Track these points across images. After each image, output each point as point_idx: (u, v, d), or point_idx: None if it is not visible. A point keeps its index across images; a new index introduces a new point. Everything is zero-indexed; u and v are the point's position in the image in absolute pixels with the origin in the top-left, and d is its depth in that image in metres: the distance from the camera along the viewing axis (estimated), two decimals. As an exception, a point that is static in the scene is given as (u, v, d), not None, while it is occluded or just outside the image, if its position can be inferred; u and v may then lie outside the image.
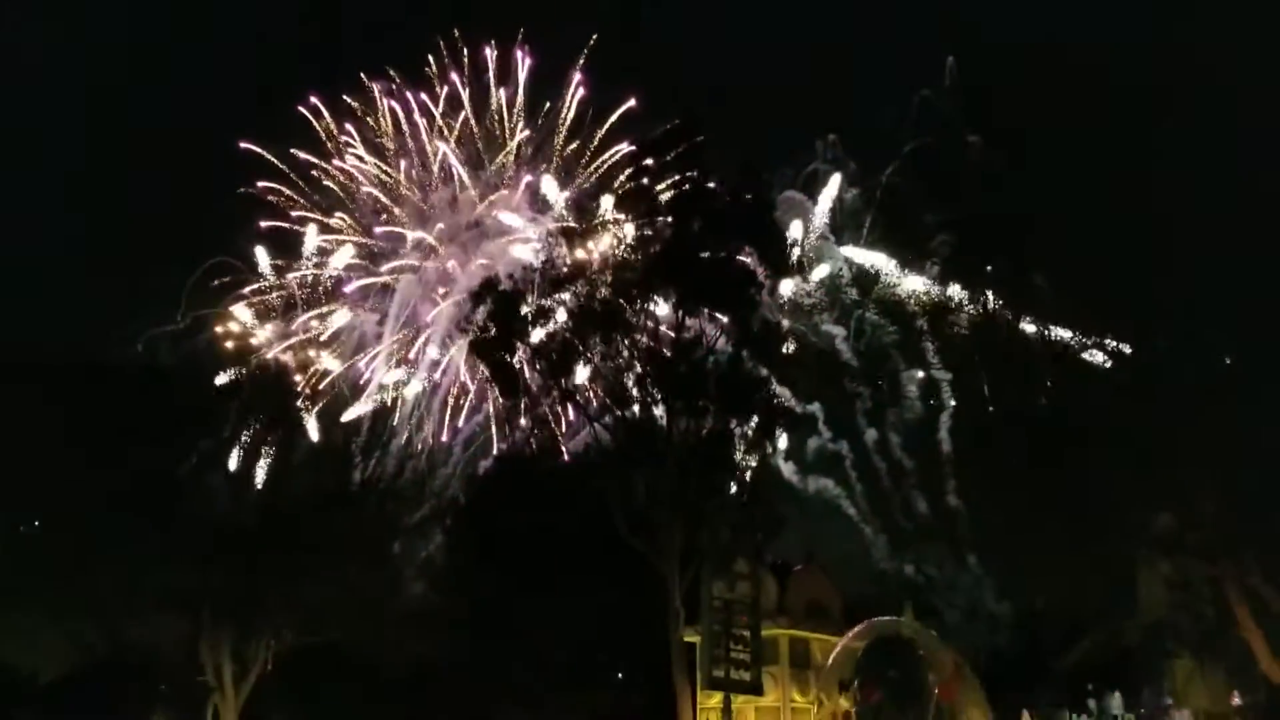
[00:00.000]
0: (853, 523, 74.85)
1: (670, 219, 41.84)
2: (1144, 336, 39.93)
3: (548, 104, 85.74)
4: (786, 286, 46.51)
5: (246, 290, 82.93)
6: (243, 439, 51.70)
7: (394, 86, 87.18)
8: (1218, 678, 46.01)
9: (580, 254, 42.61)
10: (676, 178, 43.52)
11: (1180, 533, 44.82)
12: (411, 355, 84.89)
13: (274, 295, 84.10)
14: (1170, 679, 47.62)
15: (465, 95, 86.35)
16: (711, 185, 43.08)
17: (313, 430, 54.93)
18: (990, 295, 59.74)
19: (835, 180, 77.11)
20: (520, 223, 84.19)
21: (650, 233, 41.95)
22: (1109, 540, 46.51)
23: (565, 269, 42.02)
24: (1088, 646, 52.30)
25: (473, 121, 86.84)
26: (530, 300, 41.72)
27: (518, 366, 42.20)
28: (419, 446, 70.05)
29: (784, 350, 43.86)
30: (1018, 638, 58.47)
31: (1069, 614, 56.00)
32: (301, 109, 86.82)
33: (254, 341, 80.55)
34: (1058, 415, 42.50)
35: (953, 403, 66.23)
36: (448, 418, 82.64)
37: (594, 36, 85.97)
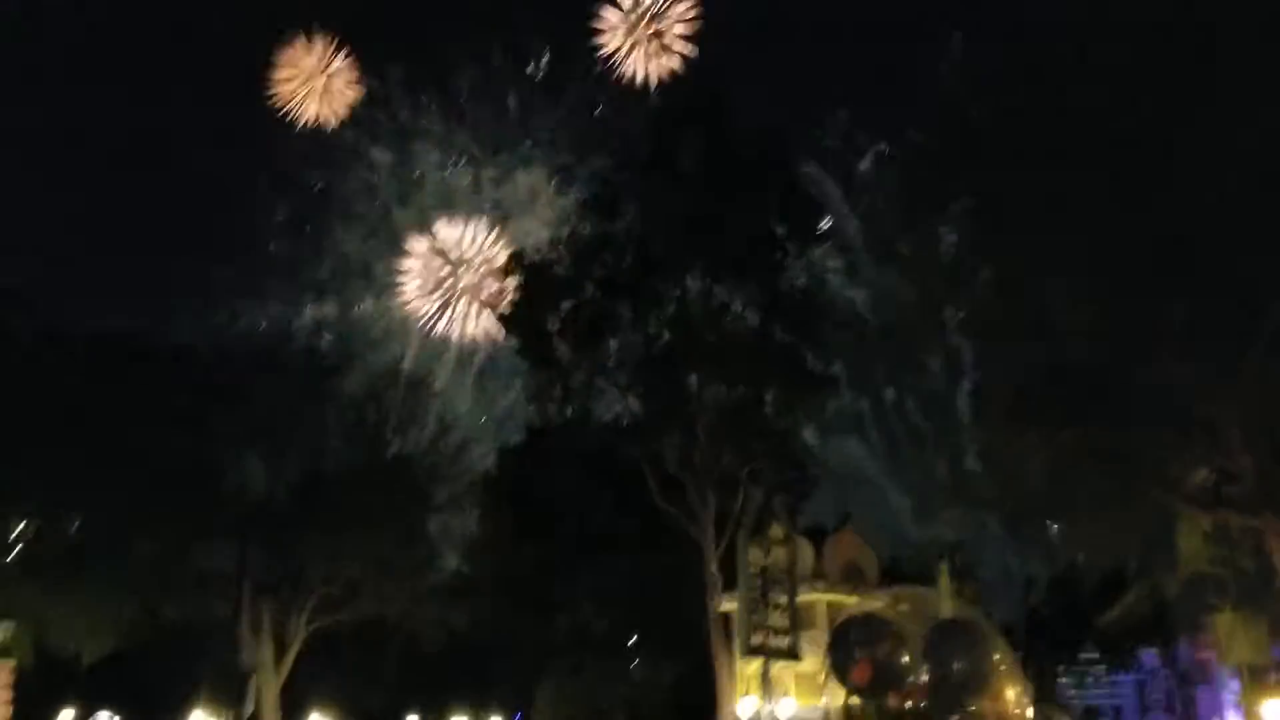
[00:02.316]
0: (880, 485, 75.12)
1: (694, 185, 41.49)
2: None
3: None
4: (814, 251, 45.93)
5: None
6: (278, 416, 51.84)
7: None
8: (1260, 631, 45.58)
9: (606, 224, 42.39)
10: (700, 145, 43.23)
11: (1219, 486, 44.32)
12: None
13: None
14: (1212, 633, 47.23)
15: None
16: (736, 153, 42.82)
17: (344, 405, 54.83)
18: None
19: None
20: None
21: (675, 200, 41.63)
22: (1147, 495, 46.00)
23: (590, 238, 41.87)
24: (1129, 602, 51.96)
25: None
26: (559, 270, 41.65)
27: (547, 338, 42.18)
28: (452, 420, 70.48)
29: (813, 314, 43.49)
30: (1055, 596, 58.26)
31: (1107, 571, 55.69)
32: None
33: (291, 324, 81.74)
34: (1092, 368, 41.86)
35: (976, 363, 65.92)
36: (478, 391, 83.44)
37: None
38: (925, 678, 41.46)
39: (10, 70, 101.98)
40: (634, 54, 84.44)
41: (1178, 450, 44.02)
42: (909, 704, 41.52)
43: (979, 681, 41.46)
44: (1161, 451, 43.93)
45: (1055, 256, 44.91)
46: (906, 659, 41.34)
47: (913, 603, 46.74)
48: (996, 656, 43.55)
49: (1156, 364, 41.23)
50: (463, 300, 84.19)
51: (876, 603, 46.56)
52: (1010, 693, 43.89)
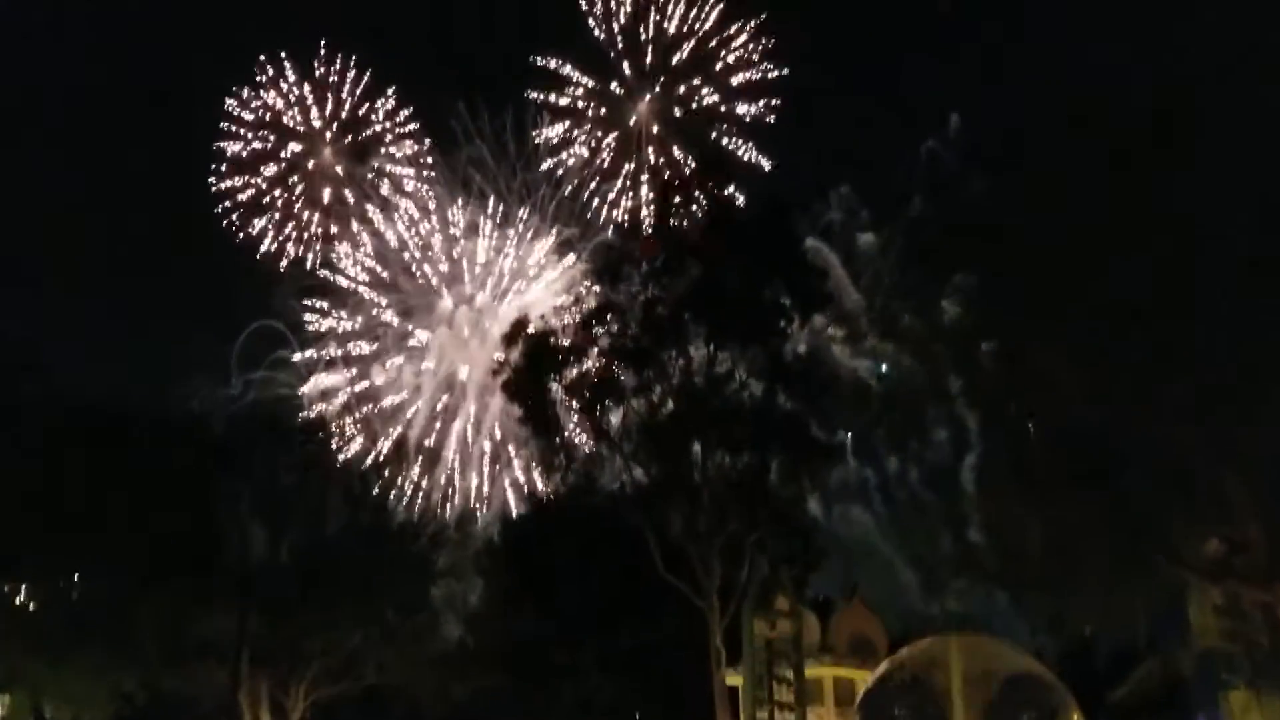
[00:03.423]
0: (887, 557, 74.54)
1: (698, 254, 41.80)
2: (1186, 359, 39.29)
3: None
4: (817, 320, 46.14)
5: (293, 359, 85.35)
6: (281, 485, 51.93)
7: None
8: (1275, 707, 44.76)
9: (610, 292, 42.62)
10: (704, 213, 43.69)
11: (1229, 558, 43.91)
12: (448, 402, 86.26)
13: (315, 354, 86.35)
14: (1226, 709, 46.37)
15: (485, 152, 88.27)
16: (739, 220, 43.23)
17: (350, 476, 55.10)
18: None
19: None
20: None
21: (679, 268, 41.91)
22: (1155, 566, 45.60)
23: (595, 307, 42.06)
24: (1141, 677, 51.15)
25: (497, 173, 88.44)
26: (561, 339, 41.79)
27: (551, 406, 42.20)
28: (455, 490, 70.62)
29: (816, 383, 43.50)
30: (1066, 669, 57.31)
31: (1119, 644, 54.95)
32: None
33: (300, 393, 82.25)
34: (1098, 437, 41.78)
35: (981, 433, 65.83)
36: (484, 461, 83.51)
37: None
38: None
39: (20, 134, 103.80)
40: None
41: (1185, 520, 43.76)
42: None
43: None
44: (1169, 521, 43.69)
45: (1057, 325, 45.20)
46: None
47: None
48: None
49: (1161, 431, 41.21)
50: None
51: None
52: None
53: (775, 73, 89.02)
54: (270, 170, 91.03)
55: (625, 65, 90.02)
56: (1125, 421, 41.76)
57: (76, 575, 50.94)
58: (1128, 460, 43.98)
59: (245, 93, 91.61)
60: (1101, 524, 45.58)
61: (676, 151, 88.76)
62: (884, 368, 73.08)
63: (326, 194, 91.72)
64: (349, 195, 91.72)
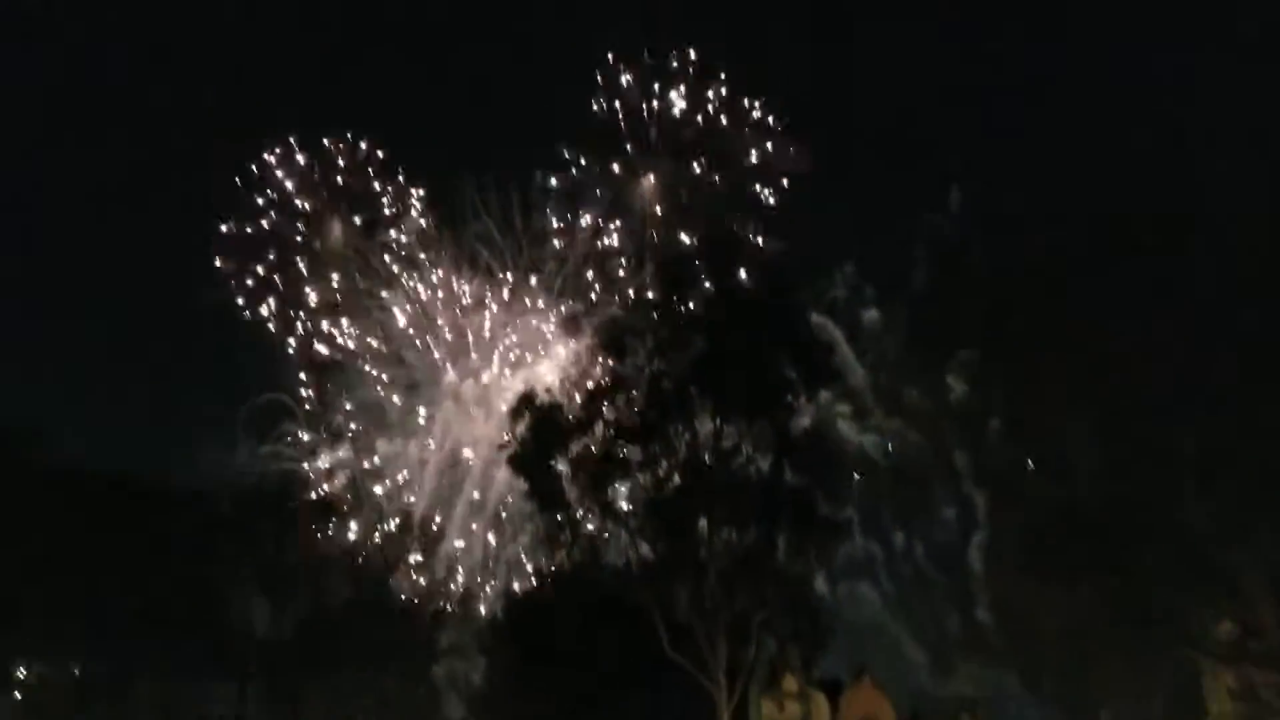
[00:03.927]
0: (893, 634, 73.49)
1: (704, 328, 41.97)
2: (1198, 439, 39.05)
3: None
4: (823, 395, 46.15)
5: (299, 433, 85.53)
6: (284, 559, 51.77)
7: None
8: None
9: (616, 366, 42.71)
10: (710, 289, 43.93)
11: (1243, 641, 43.27)
12: (452, 476, 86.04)
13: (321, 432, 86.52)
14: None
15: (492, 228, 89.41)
16: (745, 297, 43.45)
17: (354, 550, 54.93)
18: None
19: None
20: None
21: (685, 343, 42.05)
22: (1170, 650, 44.92)
23: (601, 381, 42.12)
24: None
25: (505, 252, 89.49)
26: (568, 413, 41.77)
27: (557, 480, 42.03)
28: (459, 565, 70.13)
29: (823, 458, 43.32)
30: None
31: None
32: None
33: (304, 469, 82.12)
34: (1112, 520, 41.43)
35: (989, 512, 65.26)
36: (489, 535, 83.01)
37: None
38: None
39: (31, 203, 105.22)
40: None
41: (1199, 602, 43.20)
42: None
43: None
44: (1182, 604, 43.13)
45: (1065, 401, 45.09)
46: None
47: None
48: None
49: (1174, 512, 40.87)
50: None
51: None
52: None
53: (780, 155, 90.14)
54: (278, 248, 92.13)
55: (630, 146, 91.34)
56: (1138, 503, 41.43)
57: (78, 649, 50.48)
58: (1141, 542, 43.55)
59: (255, 172, 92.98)
60: (1115, 606, 44.98)
61: (682, 231, 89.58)
62: (890, 445, 72.99)
63: (334, 270, 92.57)
64: (356, 272, 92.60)
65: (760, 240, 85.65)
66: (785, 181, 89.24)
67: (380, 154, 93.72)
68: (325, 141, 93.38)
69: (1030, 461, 48.39)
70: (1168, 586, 42.77)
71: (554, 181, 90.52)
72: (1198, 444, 36.87)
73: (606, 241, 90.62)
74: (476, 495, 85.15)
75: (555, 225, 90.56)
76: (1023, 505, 52.45)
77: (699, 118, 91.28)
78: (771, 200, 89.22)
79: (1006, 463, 52.57)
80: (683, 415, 41.49)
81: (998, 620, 63.25)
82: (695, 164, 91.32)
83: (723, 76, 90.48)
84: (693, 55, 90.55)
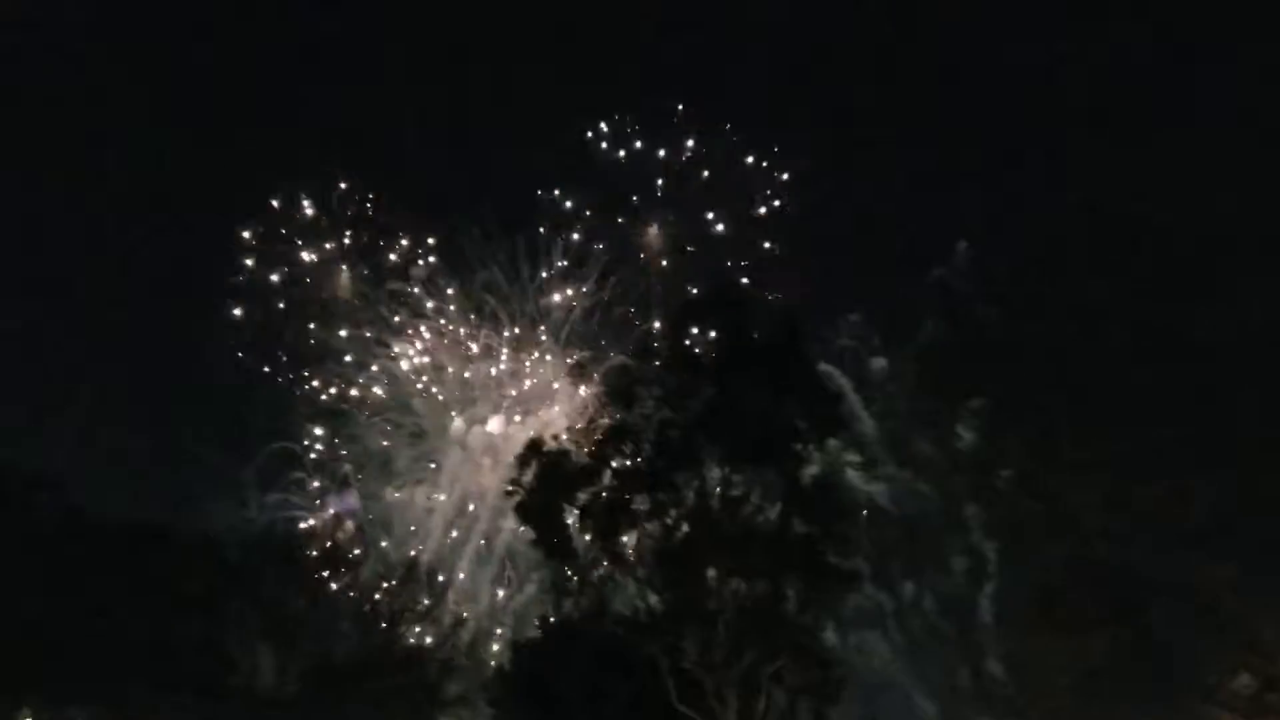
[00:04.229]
0: (904, 686, 72.70)
1: (712, 376, 41.97)
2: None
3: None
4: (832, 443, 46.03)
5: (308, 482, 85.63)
6: (291, 608, 51.55)
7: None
8: None
9: (624, 413, 42.67)
10: (717, 336, 44.00)
11: (1261, 694, 42.75)
12: (460, 525, 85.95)
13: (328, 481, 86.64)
14: None
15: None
16: (753, 344, 43.46)
17: (360, 600, 54.76)
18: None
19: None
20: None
21: (693, 390, 42.03)
22: (1187, 703, 44.34)
23: (609, 428, 42.06)
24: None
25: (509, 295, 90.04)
26: (576, 459, 41.68)
27: (564, 528, 41.88)
28: (466, 614, 69.64)
29: (832, 507, 43.10)
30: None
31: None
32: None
33: (312, 517, 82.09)
34: (1125, 569, 41.13)
35: (1000, 563, 64.76)
36: (496, 584, 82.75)
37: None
38: None
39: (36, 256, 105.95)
40: None
41: (1215, 654, 42.74)
42: None
43: None
44: (1198, 656, 42.67)
45: (1078, 451, 44.89)
46: None
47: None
48: None
49: (1189, 562, 40.57)
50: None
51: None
52: None
53: (785, 204, 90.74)
54: (284, 295, 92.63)
55: (635, 197, 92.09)
56: (1152, 554, 41.16)
57: (83, 695, 50.07)
58: (1156, 593, 43.20)
59: (260, 219, 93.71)
60: (1129, 658, 44.52)
61: (689, 279, 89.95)
62: (899, 495, 72.77)
63: (341, 318, 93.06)
64: (362, 321, 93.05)
65: (767, 289, 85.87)
66: (790, 230, 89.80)
67: (387, 203, 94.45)
68: (330, 192, 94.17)
69: (1042, 512, 48.09)
70: (1183, 638, 42.35)
71: (561, 226, 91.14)
72: (1214, 493, 36.64)
73: (613, 290, 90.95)
74: (483, 544, 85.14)
75: (561, 274, 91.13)
76: (1034, 556, 52.08)
77: (704, 170, 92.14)
78: (777, 251, 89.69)
79: (1018, 513, 52.25)
80: (690, 463, 41.38)
81: (1009, 672, 62.53)
82: (701, 213, 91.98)
83: (729, 127, 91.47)
84: (698, 106, 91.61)
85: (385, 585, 56.33)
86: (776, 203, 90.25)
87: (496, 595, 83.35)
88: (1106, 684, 47.01)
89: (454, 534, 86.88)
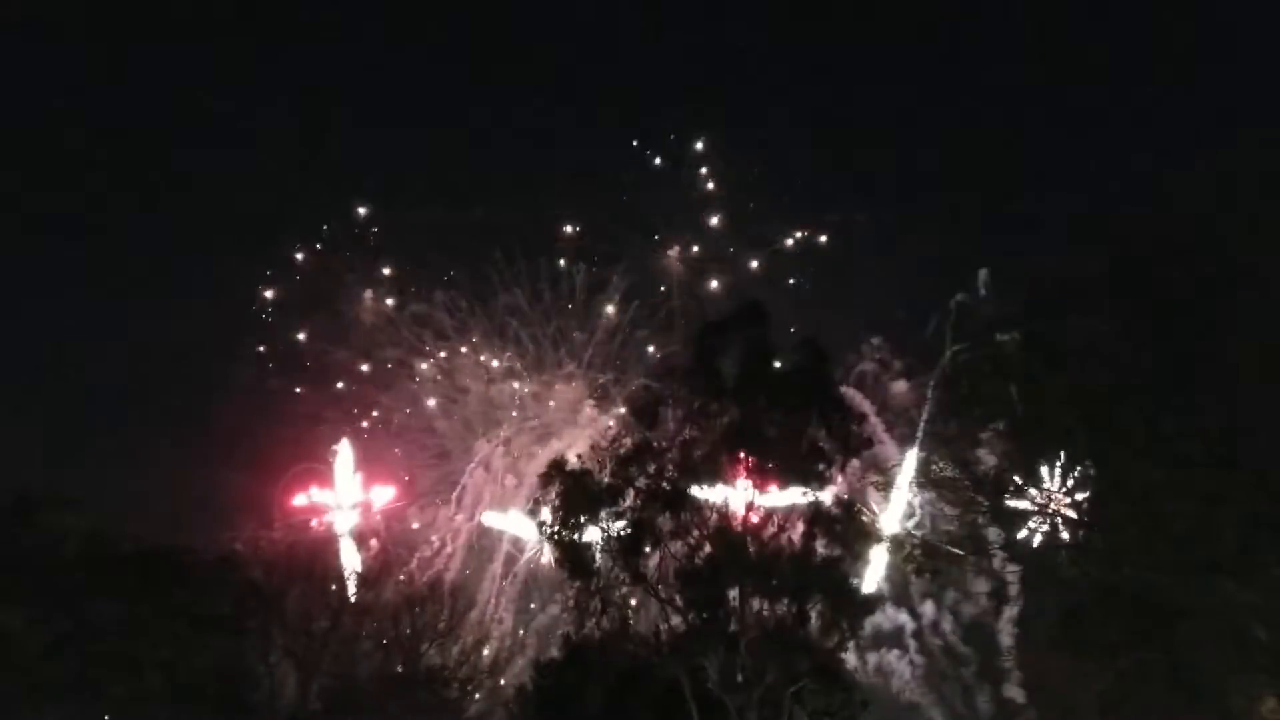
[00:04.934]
0: (925, 709, 72.40)
1: (735, 396, 42.10)
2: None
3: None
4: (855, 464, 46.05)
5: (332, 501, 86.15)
6: (314, 627, 51.73)
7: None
8: None
9: (647, 433, 42.82)
10: (741, 357, 44.10)
11: (1287, 719, 42.35)
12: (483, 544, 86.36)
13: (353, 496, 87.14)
14: None
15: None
16: (776, 365, 43.61)
17: (383, 619, 54.97)
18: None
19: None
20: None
21: (717, 411, 42.15)
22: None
23: (632, 447, 42.19)
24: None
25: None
26: (599, 478, 41.80)
27: (587, 548, 41.94)
28: (489, 634, 69.91)
29: (855, 529, 43.09)
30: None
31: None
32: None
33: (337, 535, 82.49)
34: (1150, 591, 40.84)
35: (1022, 587, 64.40)
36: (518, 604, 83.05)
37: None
38: None
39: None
40: None
41: (1240, 677, 42.34)
42: None
43: None
44: (1222, 679, 42.28)
45: (1100, 474, 44.66)
46: None
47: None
48: None
49: (1214, 585, 40.24)
50: None
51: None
52: None
53: (808, 233, 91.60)
54: (310, 321, 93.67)
55: (659, 222, 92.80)
56: (1177, 576, 40.84)
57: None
58: (1179, 616, 42.85)
59: (286, 248, 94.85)
60: (1152, 682, 44.14)
61: (711, 303, 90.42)
62: (914, 518, 72.58)
63: (365, 341, 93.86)
64: (387, 342, 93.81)
65: (790, 312, 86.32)
66: (813, 255, 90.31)
67: (405, 230, 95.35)
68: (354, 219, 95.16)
69: (1066, 538, 47.87)
70: (1208, 662, 41.99)
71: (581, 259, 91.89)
72: (1239, 516, 36.41)
73: (636, 313, 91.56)
74: (505, 564, 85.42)
75: (584, 297, 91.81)
76: (1056, 580, 51.79)
77: (725, 196, 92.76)
78: (801, 278, 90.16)
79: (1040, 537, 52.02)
80: (713, 484, 41.48)
81: (1031, 696, 62.15)
82: (723, 242, 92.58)
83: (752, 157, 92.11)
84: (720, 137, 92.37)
85: (408, 604, 56.42)
86: (800, 234, 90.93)
87: (519, 614, 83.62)
88: (1129, 708, 46.65)
89: (477, 554, 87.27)
